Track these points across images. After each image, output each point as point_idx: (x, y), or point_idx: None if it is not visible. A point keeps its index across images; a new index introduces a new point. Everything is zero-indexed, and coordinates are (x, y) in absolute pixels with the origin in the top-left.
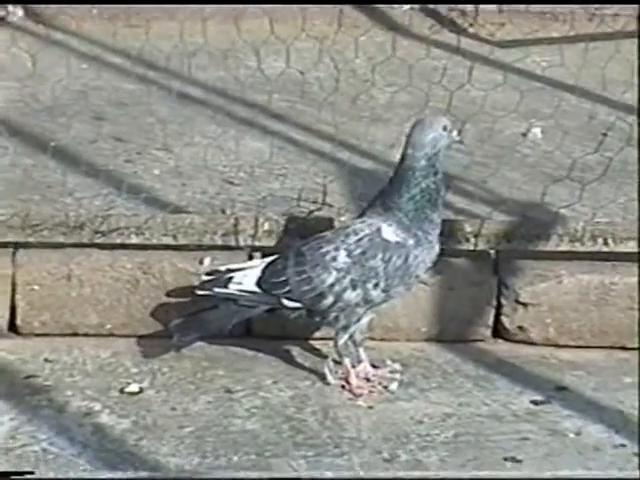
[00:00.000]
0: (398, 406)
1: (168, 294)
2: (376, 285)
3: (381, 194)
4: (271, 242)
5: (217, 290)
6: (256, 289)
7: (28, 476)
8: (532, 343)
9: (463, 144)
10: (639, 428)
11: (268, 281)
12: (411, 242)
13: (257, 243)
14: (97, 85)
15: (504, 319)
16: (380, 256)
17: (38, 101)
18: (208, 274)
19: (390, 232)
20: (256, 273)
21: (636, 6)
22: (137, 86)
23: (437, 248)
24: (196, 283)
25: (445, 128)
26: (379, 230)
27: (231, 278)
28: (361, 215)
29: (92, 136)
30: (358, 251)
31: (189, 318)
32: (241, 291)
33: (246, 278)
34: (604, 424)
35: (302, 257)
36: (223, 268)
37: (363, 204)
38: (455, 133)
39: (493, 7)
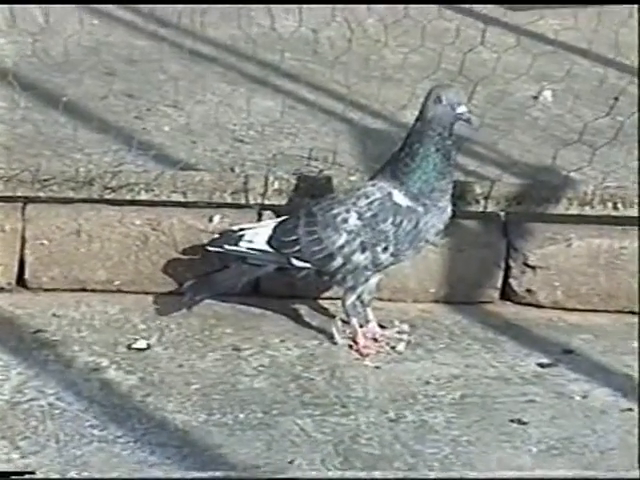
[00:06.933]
0: (405, 366)
1: (178, 252)
2: (385, 249)
3: (391, 161)
4: (281, 201)
5: (227, 247)
6: (266, 247)
7: (28, 476)
8: (540, 306)
9: (471, 125)
10: None
11: (279, 240)
12: (421, 209)
13: (266, 202)
14: (108, 41)
15: (512, 281)
16: (391, 220)
17: (49, 56)
18: (219, 233)
19: (401, 197)
20: (267, 232)
21: None
22: (148, 43)
23: (449, 211)
24: (205, 240)
25: (453, 107)
26: (390, 194)
27: (242, 236)
28: (372, 178)
29: (103, 92)
30: (369, 214)
31: (200, 279)
32: (251, 249)
33: (257, 236)
34: (611, 388)
35: (313, 217)
36: (236, 228)
37: (373, 164)
38: (463, 108)
39: None
